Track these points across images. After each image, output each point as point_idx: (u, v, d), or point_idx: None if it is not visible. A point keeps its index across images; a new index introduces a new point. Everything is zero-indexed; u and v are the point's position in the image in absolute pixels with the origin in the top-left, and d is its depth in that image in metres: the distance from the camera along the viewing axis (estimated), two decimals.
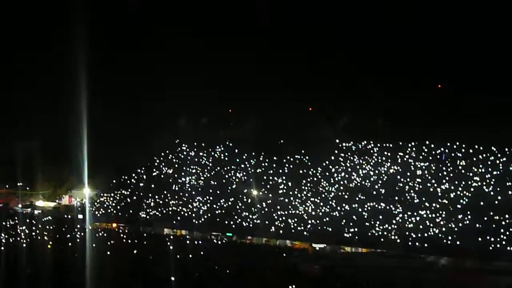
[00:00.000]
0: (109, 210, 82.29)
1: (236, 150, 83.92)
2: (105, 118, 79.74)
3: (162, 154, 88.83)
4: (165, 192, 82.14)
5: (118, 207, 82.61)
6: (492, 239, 58.21)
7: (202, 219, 74.68)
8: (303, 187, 74.60)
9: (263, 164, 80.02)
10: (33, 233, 63.02)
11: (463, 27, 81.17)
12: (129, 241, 63.35)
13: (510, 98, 70.36)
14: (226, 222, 72.87)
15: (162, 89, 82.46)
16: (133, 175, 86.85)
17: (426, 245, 60.38)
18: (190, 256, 51.93)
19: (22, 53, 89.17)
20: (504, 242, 57.38)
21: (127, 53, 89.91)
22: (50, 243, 55.87)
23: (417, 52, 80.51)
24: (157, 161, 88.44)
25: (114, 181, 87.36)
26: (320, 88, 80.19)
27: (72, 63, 64.92)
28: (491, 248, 57.25)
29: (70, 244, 54.98)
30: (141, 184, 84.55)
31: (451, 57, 79.05)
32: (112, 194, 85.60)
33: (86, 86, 61.57)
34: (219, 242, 68.49)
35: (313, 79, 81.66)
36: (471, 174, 67.86)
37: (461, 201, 65.22)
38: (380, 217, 66.41)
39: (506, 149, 67.76)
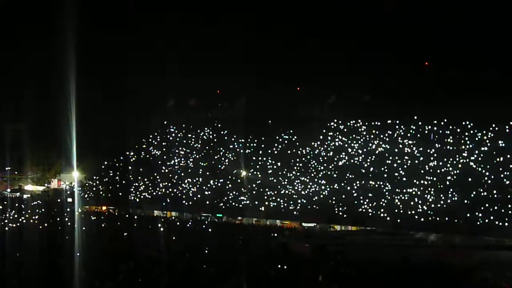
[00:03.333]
0: (98, 193, 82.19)
1: (225, 131, 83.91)
2: (93, 101, 79.40)
3: (150, 136, 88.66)
4: (154, 174, 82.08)
5: (107, 190, 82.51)
6: (481, 214, 58.59)
7: (192, 201, 74.73)
8: (292, 167, 74.70)
9: (252, 145, 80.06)
10: (22, 217, 62.78)
11: (450, 3, 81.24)
12: (119, 223, 63.28)
13: (498, 74, 70.70)
14: (216, 203, 72.98)
15: (149, 71, 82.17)
16: (122, 157, 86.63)
17: (415, 222, 60.73)
18: (180, 237, 52.07)
19: (7, 37, 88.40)
20: (492, 217, 57.74)
21: (114, 36, 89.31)
22: (40, 227, 55.82)
23: (404, 29, 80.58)
24: (146, 143, 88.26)
25: (103, 164, 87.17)
26: (307, 67, 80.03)
27: (59, 46, 64.39)
28: (479, 223, 57.60)
29: (59, 227, 54.82)
30: (130, 167, 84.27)
31: (439, 33, 79.13)
32: (101, 177, 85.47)
33: (74, 69, 61.04)
34: (209, 223, 68.63)
35: (300, 58, 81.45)
36: (459, 151, 68.04)
37: (450, 178, 65.52)
38: (369, 195, 66.70)
39: (494, 126, 67.95)
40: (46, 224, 57.14)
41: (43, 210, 69.18)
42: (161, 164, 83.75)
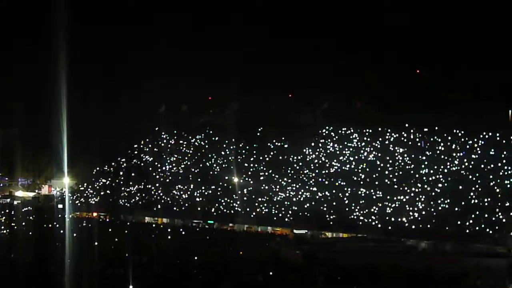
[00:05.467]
0: (89, 199, 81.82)
1: (217, 137, 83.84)
2: (84, 106, 79.23)
3: (142, 142, 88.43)
4: (145, 180, 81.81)
5: (99, 196, 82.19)
6: (471, 222, 58.74)
7: (183, 207, 74.55)
8: (283, 174, 74.66)
9: (243, 151, 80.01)
10: (13, 223, 62.57)
11: (440, 10, 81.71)
12: (110, 229, 63.09)
13: (489, 83, 71.14)
14: (208, 209, 72.82)
15: (141, 77, 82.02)
16: (113, 163, 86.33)
17: (406, 229, 60.81)
18: (171, 243, 52.07)
19: None
20: (482, 225, 57.91)
21: (106, 40, 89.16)
22: (30, 233, 55.64)
23: (396, 38, 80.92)
24: (137, 149, 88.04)
25: (94, 170, 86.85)
26: (299, 74, 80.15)
27: (50, 50, 64.32)
28: (469, 231, 57.75)
29: (50, 233, 54.66)
30: (121, 173, 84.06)
31: (430, 42, 79.46)
32: (92, 183, 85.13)
33: (64, 74, 60.97)
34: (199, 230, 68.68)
35: (292, 65, 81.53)
36: (450, 159, 68.27)
37: (440, 185, 65.64)
38: (361, 202, 66.74)
39: (485, 134, 68.27)
40: (36, 231, 56.99)
41: (33, 216, 68.97)
42: (152, 170, 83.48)
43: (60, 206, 76.20)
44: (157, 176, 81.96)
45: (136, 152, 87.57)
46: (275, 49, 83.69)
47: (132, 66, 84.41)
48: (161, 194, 78.69)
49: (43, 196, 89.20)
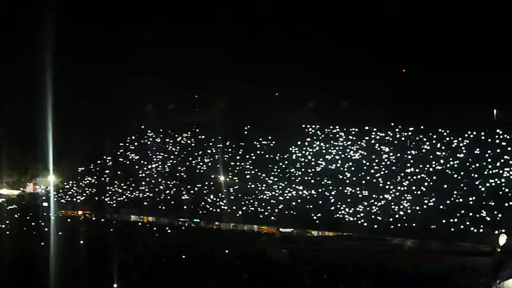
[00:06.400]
0: (74, 198, 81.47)
1: (203, 136, 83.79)
2: (70, 104, 78.91)
3: (128, 140, 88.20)
4: (131, 178, 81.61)
5: (84, 194, 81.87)
6: (456, 220, 59.03)
7: (169, 205, 74.38)
8: (270, 172, 74.75)
9: (229, 150, 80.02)
10: None
11: (427, 10, 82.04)
12: (96, 228, 62.85)
13: (474, 82, 71.55)
14: (193, 208, 72.71)
15: (127, 76, 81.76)
16: (98, 162, 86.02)
17: (391, 227, 61.02)
18: (157, 242, 51.96)
19: None
20: (467, 223, 58.24)
21: (92, 41, 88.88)
22: (15, 231, 55.28)
23: (382, 37, 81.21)
24: (123, 147, 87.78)
25: (79, 168, 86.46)
26: (285, 73, 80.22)
27: (36, 49, 63.97)
28: (455, 229, 58.04)
29: (35, 232, 54.35)
30: (107, 171, 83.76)
31: (416, 41, 79.78)
32: (77, 181, 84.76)
33: (51, 72, 60.65)
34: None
35: (279, 64, 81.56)
36: (435, 158, 68.61)
37: (426, 184, 65.95)
38: (347, 200, 66.91)
39: (470, 133, 68.69)
40: (20, 229, 56.67)
41: (18, 214, 68.57)
42: (138, 168, 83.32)
43: (45, 204, 75.86)
44: (143, 175, 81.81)
45: (122, 150, 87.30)
46: (261, 48, 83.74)
47: (118, 65, 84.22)
48: (147, 192, 78.50)
49: (28, 194, 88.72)
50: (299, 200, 69.55)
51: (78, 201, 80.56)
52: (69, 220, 69.32)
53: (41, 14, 63.41)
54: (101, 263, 37.33)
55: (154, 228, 65.13)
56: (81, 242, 47.48)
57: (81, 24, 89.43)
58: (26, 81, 76.33)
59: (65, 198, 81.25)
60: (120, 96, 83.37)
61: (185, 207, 73.13)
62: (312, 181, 71.78)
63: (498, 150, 65.91)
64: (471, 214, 59.40)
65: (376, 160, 71.17)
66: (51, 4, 63.64)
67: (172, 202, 74.97)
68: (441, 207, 61.78)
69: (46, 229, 54.00)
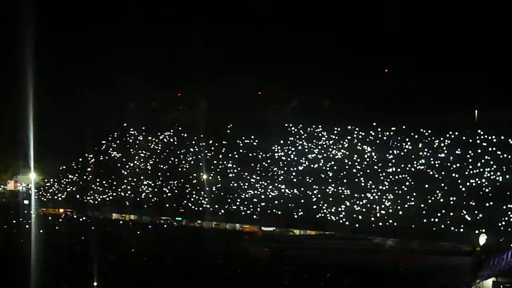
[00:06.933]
0: (56, 196, 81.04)
1: (185, 134, 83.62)
2: (52, 101, 78.36)
3: (110, 138, 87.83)
4: (113, 176, 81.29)
5: (65, 192, 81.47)
6: (437, 220, 59.47)
7: (151, 204, 74.20)
8: (252, 171, 74.75)
9: (212, 148, 79.92)
10: None
11: (409, 10, 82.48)
12: (77, 226, 62.55)
13: (455, 83, 72.05)
14: (176, 206, 72.60)
15: (110, 73, 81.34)
16: (80, 159, 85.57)
17: (373, 227, 61.33)
18: (139, 240, 51.81)
19: None
20: (448, 223, 58.69)
21: (72, 36, 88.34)
22: None
23: (364, 35, 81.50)
24: (105, 145, 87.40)
25: (61, 166, 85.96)
26: (268, 71, 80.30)
27: (16, 45, 63.48)
28: (435, 229, 58.45)
29: (15, 230, 53.95)
30: (89, 169, 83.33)
31: (398, 40, 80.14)
32: (59, 179, 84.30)
33: (31, 69, 60.19)
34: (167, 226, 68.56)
35: (261, 64, 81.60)
36: (416, 157, 68.98)
37: (407, 183, 66.32)
38: (329, 199, 67.12)
39: (451, 133, 69.13)
40: (0, 227, 56.27)
41: None
42: (120, 166, 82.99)
43: (26, 202, 75.32)
44: (125, 173, 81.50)
45: (103, 148, 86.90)
46: (244, 47, 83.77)
47: (100, 62, 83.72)
48: (129, 190, 78.25)
49: (9, 191, 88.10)
50: (281, 199, 69.61)
51: (60, 199, 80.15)
52: (50, 218, 68.85)
53: (20, 13, 62.96)
54: (82, 261, 37.15)
55: (136, 227, 64.94)
56: (62, 240, 47.18)
57: (61, 21, 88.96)
58: (6, 78, 75.64)
59: (47, 196, 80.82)
60: (102, 94, 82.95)
61: (167, 205, 73.02)
62: (294, 180, 71.88)
63: (479, 151, 66.37)
64: (451, 213, 59.89)
65: (358, 160, 71.39)
66: (29, 4, 63.22)
67: (154, 200, 74.79)
68: (422, 206, 62.19)
69: (27, 227, 53.56)
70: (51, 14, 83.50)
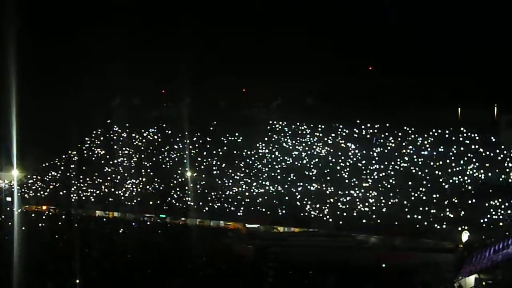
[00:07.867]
0: (39, 193, 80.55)
1: (169, 131, 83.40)
2: (35, 98, 77.80)
3: (93, 135, 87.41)
4: (96, 173, 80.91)
5: (48, 189, 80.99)
6: (420, 217, 59.79)
7: (135, 201, 73.96)
8: (236, 168, 74.75)
9: (196, 145, 79.79)
10: None
11: (392, 8, 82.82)
12: (60, 223, 62.23)
13: (438, 81, 72.51)
14: (159, 203, 72.42)
15: (93, 70, 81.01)
16: (63, 156, 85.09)
17: (356, 224, 61.51)
18: (123, 237, 51.69)
19: None
20: (431, 220, 59.03)
21: (56, 34, 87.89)
22: None
23: (349, 33, 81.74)
24: (88, 142, 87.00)
25: (44, 163, 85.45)
26: (253, 69, 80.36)
27: None
28: (419, 226, 58.76)
29: None
30: (72, 166, 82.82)
31: (383, 38, 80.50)
32: (42, 176, 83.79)
33: (14, 65, 59.66)
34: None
35: (246, 60, 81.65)
36: (400, 155, 69.32)
37: (391, 181, 66.65)
38: (312, 197, 67.27)
39: (434, 131, 69.52)
40: None
41: None
42: (104, 163, 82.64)
43: (8, 199, 74.86)
44: (109, 170, 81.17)
45: (87, 145, 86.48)
46: (228, 44, 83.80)
47: (85, 59, 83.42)
48: (113, 187, 77.92)
49: None
50: (265, 197, 69.65)
51: (43, 196, 79.68)
52: (33, 215, 68.43)
53: (3, 12, 62.39)
54: (65, 258, 36.99)
55: (120, 224, 64.72)
56: (45, 237, 47.00)
57: (45, 20, 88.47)
58: None
59: (29, 193, 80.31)
60: (86, 90, 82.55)
61: (151, 202, 72.82)
62: (278, 177, 71.96)
63: (462, 148, 66.91)
64: (434, 211, 60.24)
65: (342, 157, 71.60)
66: (12, 2, 62.69)
67: (138, 198, 74.57)
68: (406, 203, 62.52)
69: (9, 224, 53.27)
70: (35, 11, 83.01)
